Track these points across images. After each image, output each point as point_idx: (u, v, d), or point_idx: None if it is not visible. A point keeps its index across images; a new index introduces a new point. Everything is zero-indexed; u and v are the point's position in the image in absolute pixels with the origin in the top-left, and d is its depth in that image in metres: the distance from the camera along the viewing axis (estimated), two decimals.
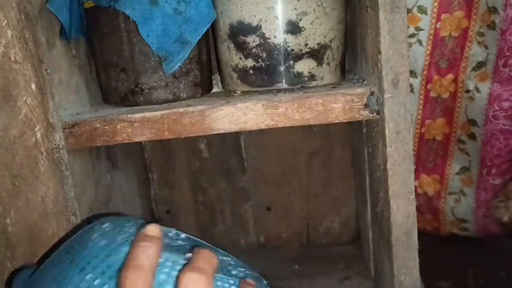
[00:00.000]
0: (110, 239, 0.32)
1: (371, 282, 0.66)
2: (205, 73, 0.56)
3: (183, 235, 0.37)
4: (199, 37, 0.51)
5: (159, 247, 0.30)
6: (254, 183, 0.78)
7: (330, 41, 0.51)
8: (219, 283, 0.31)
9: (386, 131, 0.45)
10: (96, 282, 0.30)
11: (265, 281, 0.36)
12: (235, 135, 0.75)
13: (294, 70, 0.50)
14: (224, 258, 0.37)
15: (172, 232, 0.36)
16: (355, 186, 0.76)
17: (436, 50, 0.71)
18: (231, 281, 0.32)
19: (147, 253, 0.29)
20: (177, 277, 0.29)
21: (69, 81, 0.53)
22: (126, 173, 0.70)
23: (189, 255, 0.32)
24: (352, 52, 0.59)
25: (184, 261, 0.31)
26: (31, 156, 0.45)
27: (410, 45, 0.71)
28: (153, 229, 0.31)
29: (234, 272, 0.34)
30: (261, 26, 0.49)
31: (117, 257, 0.31)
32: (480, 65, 0.71)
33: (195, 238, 0.37)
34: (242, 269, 0.36)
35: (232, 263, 0.37)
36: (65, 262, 0.33)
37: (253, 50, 0.50)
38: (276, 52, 0.50)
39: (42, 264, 0.36)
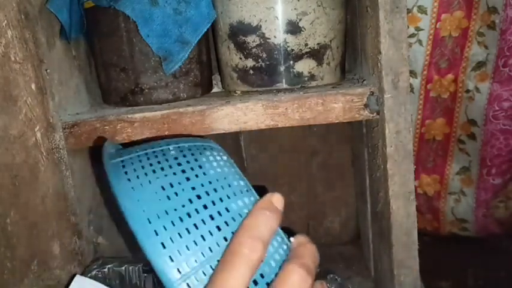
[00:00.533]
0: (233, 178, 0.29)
1: (371, 282, 0.66)
2: (205, 73, 0.56)
3: None
4: (199, 37, 0.51)
5: (279, 220, 0.29)
6: (254, 183, 0.78)
7: (330, 41, 0.51)
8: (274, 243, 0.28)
9: (386, 131, 0.45)
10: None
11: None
12: (235, 135, 0.75)
13: (294, 70, 0.50)
14: None
15: None
16: (355, 186, 0.76)
17: (436, 50, 0.71)
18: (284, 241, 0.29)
19: (269, 224, 0.28)
20: (284, 265, 0.27)
21: (69, 81, 0.53)
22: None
23: (292, 240, 0.30)
24: (352, 52, 0.59)
25: (288, 244, 0.29)
26: (31, 156, 0.45)
27: (410, 45, 0.71)
28: (279, 199, 0.30)
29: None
30: (261, 26, 0.49)
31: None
32: (480, 65, 0.71)
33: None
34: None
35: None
36: (174, 174, 0.28)
37: (253, 50, 0.50)
38: (276, 52, 0.50)
39: (143, 153, 0.31)
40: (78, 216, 0.49)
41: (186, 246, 0.25)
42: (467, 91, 0.73)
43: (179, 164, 0.29)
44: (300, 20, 0.49)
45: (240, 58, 0.51)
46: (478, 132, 0.75)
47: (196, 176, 0.29)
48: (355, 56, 0.58)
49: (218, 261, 0.26)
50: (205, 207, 0.27)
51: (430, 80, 0.73)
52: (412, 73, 0.73)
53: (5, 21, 0.42)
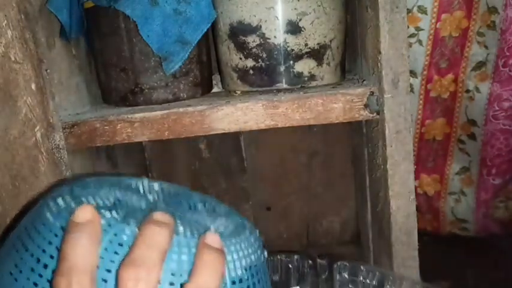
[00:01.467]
0: (65, 220, 0.26)
1: None
2: (205, 73, 0.56)
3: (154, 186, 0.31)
4: (199, 37, 0.51)
5: (94, 233, 0.25)
6: (254, 183, 0.78)
7: (330, 41, 0.51)
8: (173, 256, 0.25)
9: (387, 131, 0.45)
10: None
11: (250, 231, 0.30)
12: (235, 135, 0.75)
13: (294, 70, 0.50)
14: (194, 211, 0.31)
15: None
16: (355, 186, 0.76)
17: (436, 50, 0.71)
18: (192, 243, 0.26)
19: (79, 247, 0.24)
20: (117, 272, 0.24)
21: (69, 81, 0.53)
22: (126, 173, 0.70)
23: (123, 226, 0.26)
24: (352, 52, 0.59)
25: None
26: (31, 156, 0.45)
27: (410, 45, 0.70)
28: (83, 212, 0.25)
29: (197, 230, 0.27)
30: (261, 26, 0.49)
31: None
32: (480, 65, 0.71)
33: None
34: (218, 221, 0.30)
35: (205, 214, 0.31)
36: (19, 250, 0.27)
37: (253, 50, 0.50)
38: (276, 52, 0.50)
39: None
40: None
41: None
42: (467, 91, 0.73)
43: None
44: (300, 20, 0.49)
45: (240, 58, 0.51)
46: (478, 132, 0.75)
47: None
48: (355, 56, 0.58)
49: None
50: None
51: (430, 80, 0.73)
52: (412, 73, 0.73)
53: (5, 21, 0.42)
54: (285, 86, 0.51)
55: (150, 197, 0.31)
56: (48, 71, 0.46)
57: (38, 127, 0.45)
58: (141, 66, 0.51)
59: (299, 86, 0.51)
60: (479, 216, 0.80)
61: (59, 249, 0.25)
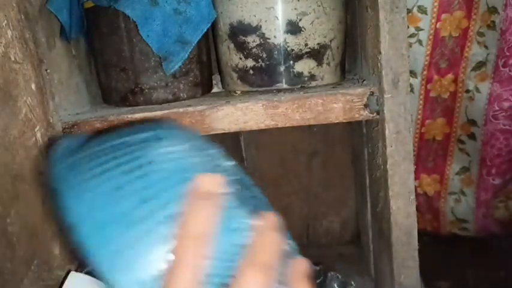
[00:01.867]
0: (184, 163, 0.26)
1: (371, 282, 0.66)
2: (205, 73, 0.56)
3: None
4: (199, 37, 0.51)
5: (217, 208, 0.25)
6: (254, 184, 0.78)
7: (330, 41, 0.51)
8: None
9: (387, 131, 0.45)
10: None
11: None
12: (235, 135, 0.75)
13: (294, 70, 0.50)
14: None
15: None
16: (355, 186, 0.76)
17: (436, 50, 0.71)
18: None
19: (202, 217, 0.24)
20: (240, 266, 0.24)
21: (69, 81, 0.53)
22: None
23: (254, 223, 0.25)
24: (352, 52, 0.59)
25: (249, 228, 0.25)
26: (31, 156, 0.45)
27: (410, 45, 0.70)
28: (213, 181, 0.25)
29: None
30: (261, 26, 0.49)
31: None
32: (480, 65, 0.71)
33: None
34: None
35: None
36: (123, 174, 0.25)
37: (253, 50, 0.50)
38: (276, 52, 0.50)
39: (90, 153, 0.28)
40: None
41: (142, 253, 0.23)
42: (467, 91, 0.73)
43: (127, 162, 0.26)
44: (300, 20, 0.49)
45: (240, 58, 0.51)
46: (478, 132, 0.75)
47: (145, 174, 0.25)
48: (355, 56, 0.58)
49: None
50: (155, 209, 0.24)
51: (430, 80, 0.73)
52: (412, 73, 0.73)
53: (5, 21, 0.42)
54: (285, 86, 0.51)
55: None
56: (48, 71, 0.46)
57: (38, 127, 0.45)
58: (141, 66, 0.51)
59: (299, 86, 0.51)
60: (479, 216, 0.80)
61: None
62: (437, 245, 0.79)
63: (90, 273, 0.45)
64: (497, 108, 0.72)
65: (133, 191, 0.25)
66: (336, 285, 0.49)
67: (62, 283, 0.44)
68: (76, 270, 0.45)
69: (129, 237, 0.23)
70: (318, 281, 0.40)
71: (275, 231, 0.26)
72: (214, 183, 0.25)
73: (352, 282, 0.49)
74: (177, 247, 0.23)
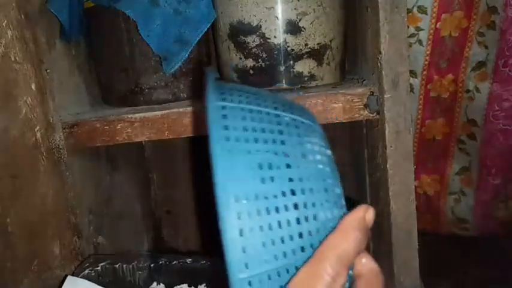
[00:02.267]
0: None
1: None
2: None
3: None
4: (199, 37, 0.51)
5: (366, 242, 0.25)
6: None
7: (330, 41, 0.51)
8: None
9: (387, 131, 0.45)
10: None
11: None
12: None
13: (294, 70, 0.50)
14: None
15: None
16: (355, 187, 0.76)
17: (436, 50, 0.71)
18: None
19: (358, 248, 0.24)
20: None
21: (69, 81, 0.53)
22: (126, 173, 0.70)
23: (363, 262, 0.26)
24: (352, 52, 0.59)
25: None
26: (31, 157, 0.45)
27: (410, 45, 0.70)
28: (371, 215, 0.25)
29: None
30: (261, 26, 0.49)
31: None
32: (480, 65, 0.71)
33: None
34: None
35: None
36: (279, 158, 0.24)
37: (253, 50, 0.50)
38: (276, 52, 0.50)
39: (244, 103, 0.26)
40: (78, 216, 0.49)
41: (263, 243, 0.22)
42: (467, 91, 0.73)
43: (283, 143, 0.24)
44: (300, 20, 0.49)
45: (240, 58, 0.51)
46: (478, 132, 0.75)
47: (298, 166, 0.24)
48: (355, 56, 0.58)
49: (288, 270, 0.23)
50: (295, 206, 0.23)
51: (430, 80, 0.73)
52: (412, 73, 0.73)
53: (5, 21, 0.42)
54: (285, 86, 0.51)
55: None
56: (48, 71, 0.46)
57: (38, 127, 0.45)
58: (141, 66, 0.51)
59: (299, 86, 0.51)
60: (479, 216, 0.80)
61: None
62: (437, 245, 0.79)
63: (87, 276, 0.45)
64: (497, 108, 0.72)
65: (280, 177, 0.23)
66: None
67: (60, 287, 0.44)
68: (72, 274, 0.45)
69: (258, 222, 0.22)
70: None
71: (380, 276, 0.27)
72: (370, 218, 0.25)
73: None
74: (320, 267, 0.23)
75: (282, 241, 0.22)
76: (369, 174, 0.59)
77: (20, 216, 0.45)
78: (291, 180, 0.23)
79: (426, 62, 0.72)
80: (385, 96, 0.44)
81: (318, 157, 0.25)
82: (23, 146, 0.44)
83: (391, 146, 0.46)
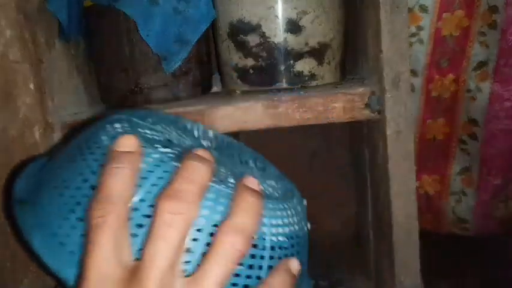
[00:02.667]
0: None
1: (371, 282, 0.66)
2: (205, 73, 0.56)
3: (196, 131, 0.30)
4: (199, 36, 0.50)
5: (135, 168, 0.24)
6: None
7: (331, 40, 0.51)
8: (210, 195, 0.24)
9: (387, 131, 0.45)
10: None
11: (298, 200, 0.29)
12: (234, 135, 0.74)
13: (294, 69, 0.50)
14: (246, 166, 0.30)
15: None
16: (356, 187, 0.76)
17: (437, 49, 0.71)
18: (228, 191, 0.24)
19: (118, 178, 0.23)
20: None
21: (68, 81, 0.53)
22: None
23: (175, 164, 0.24)
24: (352, 52, 0.58)
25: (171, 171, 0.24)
26: (30, 157, 0.45)
27: (411, 44, 0.70)
28: (127, 142, 0.24)
29: (231, 181, 0.26)
30: (261, 25, 0.49)
31: None
32: (481, 64, 0.71)
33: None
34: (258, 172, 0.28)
35: (256, 172, 0.29)
36: (67, 167, 0.26)
37: (253, 49, 0.50)
38: (276, 51, 0.49)
39: (51, 159, 0.30)
40: None
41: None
42: (469, 91, 0.73)
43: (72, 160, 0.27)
44: (301, 19, 0.49)
45: (240, 57, 0.51)
46: (479, 132, 0.75)
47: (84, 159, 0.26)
48: (355, 56, 0.57)
49: None
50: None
51: (431, 80, 0.73)
52: (413, 72, 0.72)
53: (4, 21, 0.42)
54: (285, 85, 0.50)
55: (204, 143, 0.30)
56: (47, 70, 0.46)
57: (36, 127, 0.45)
58: (141, 66, 0.51)
59: (299, 85, 0.51)
60: (479, 216, 0.80)
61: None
62: (437, 245, 0.79)
63: None
64: (498, 108, 0.72)
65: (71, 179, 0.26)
66: None
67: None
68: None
69: (68, 225, 0.24)
70: None
71: (198, 167, 0.23)
72: (129, 142, 0.24)
73: None
74: (94, 209, 0.22)
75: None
76: (370, 174, 0.59)
77: None
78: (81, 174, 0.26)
79: (427, 62, 0.72)
80: (385, 96, 0.44)
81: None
82: (22, 146, 0.44)
83: (392, 146, 0.45)
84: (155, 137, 0.27)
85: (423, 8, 0.69)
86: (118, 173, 0.23)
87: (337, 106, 0.46)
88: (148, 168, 0.24)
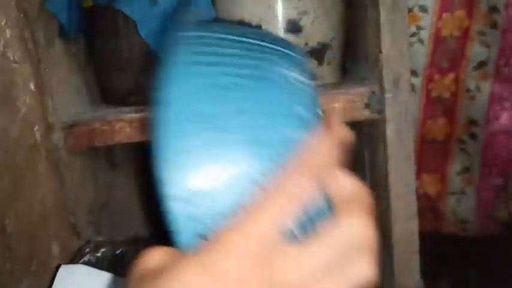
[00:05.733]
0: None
1: None
2: None
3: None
4: None
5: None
6: None
7: (331, 40, 0.51)
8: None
9: (387, 131, 0.45)
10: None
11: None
12: None
13: None
14: None
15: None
16: None
17: (437, 49, 0.71)
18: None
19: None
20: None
21: (68, 81, 0.53)
22: (126, 173, 0.70)
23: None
24: (352, 51, 0.58)
25: None
26: (30, 157, 0.45)
27: (411, 44, 0.70)
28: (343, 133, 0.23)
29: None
30: (261, 25, 0.49)
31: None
32: (481, 64, 0.71)
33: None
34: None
35: None
36: (237, 76, 0.21)
37: None
38: None
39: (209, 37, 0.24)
40: (77, 216, 0.49)
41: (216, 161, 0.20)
42: (469, 90, 0.73)
43: (243, 67, 0.22)
44: (301, 19, 0.48)
45: None
46: (479, 132, 0.75)
47: (256, 88, 0.22)
48: (355, 56, 0.57)
49: None
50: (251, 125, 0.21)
51: (431, 80, 0.73)
52: (413, 72, 0.72)
53: (4, 21, 0.42)
54: None
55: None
56: (47, 70, 0.46)
57: (37, 127, 0.45)
58: (141, 66, 0.51)
59: None
60: (479, 216, 0.80)
61: None
62: (437, 245, 0.79)
63: (88, 262, 0.44)
64: (498, 107, 0.72)
65: (237, 99, 0.21)
66: None
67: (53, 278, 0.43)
68: (72, 261, 0.44)
69: (208, 139, 0.20)
70: None
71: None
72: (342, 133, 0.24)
73: None
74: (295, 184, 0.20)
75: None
76: (370, 174, 0.59)
77: (19, 217, 0.45)
78: (244, 100, 0.21)
79: (427, 62, 0.72)
80: (386, 96, 0.44)
81: (291, 80, 0.23)
82: (22, 146, 0.44)
83: (392, 146, 0.45)
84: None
85: (423, 8, 0.69)
86: (328, 154, 0.22)
87: (337, 106, 0.46)
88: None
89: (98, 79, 0.56)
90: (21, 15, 0.43)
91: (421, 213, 0.85)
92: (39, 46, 0.45)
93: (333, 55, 0.51)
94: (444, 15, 0.69)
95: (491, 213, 0.80)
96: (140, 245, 0.48)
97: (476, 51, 0.70)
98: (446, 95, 0.74)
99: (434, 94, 0.75)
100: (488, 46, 0.69)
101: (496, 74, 0.71)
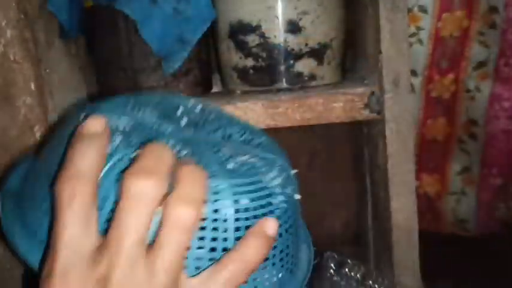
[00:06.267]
0: None
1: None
2: (205, 73, 0.56)
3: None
4: (199, 36, 0.51)
5: (101, 146, 0.23)
6: None
7: (331, 40, 0.51)
8: None
9: (387, 131, 0.45)
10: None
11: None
12: None
13: (294, 70, 0.50)
14: (227, 141, 0.30)
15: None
16: (356, 187, 0.76)
17: (437, 50, 0.71)
18: None
19: (85, 156, 0.22)
20: (119, 181, 0.22)
21: (68, 81, 0.53)
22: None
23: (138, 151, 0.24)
24: (352, 51, 0.59)
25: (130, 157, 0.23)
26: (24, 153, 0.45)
27: (410, 44, 0.70)
28: (94, 123, 0.24)
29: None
30: (261, 26, 0.49)
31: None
32: (481, 64, 0.71)
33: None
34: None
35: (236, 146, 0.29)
36: (44, 158, 0.27)
37: (253, 49, 0.50)
38: (276, 51, 0.49)
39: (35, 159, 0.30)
40: None
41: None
42: (468, 91, 0.73)
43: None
44: (301, 19, 0.49)
45: (240, 58, 0.51)
46: (479, 132, 0.75)
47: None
48: (355, 56, 0.57)
49: None
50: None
51: (431, 80, 0.73)
52: (413, 73, 0.72)
53: (5, 21, 0.42)
54: (285, 85, 0.50)
55: (183, 122, 0.29)
56: (48, 70, 0.46)
57: (37, 127, 0.45)
58: (141, 66, 0.51)
59: (299, 85, 0.51)
60: (480, 216, 0.80)
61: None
62: (437, 245, 0.79)
63: None
64: (498, 107, 0.72)
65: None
66: (332, 265, 0.49)
67: None
68: None
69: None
70: (314, 262, 0.40)
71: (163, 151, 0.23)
72: (96, 124, 0.24)
73: (349, 261, 0.49)
74: (60, 190, 0.22)
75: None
76: (369, 174, 0.59)
77: None
78: None
79: (427, 62, 0.72)
80: (385, 96, 0.44)
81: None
82: (22, 146, 0.44)
83: (391, 146, 0.45)
84: (119, 124, 0.26)
85: (423, 9, 0.69)
86: (84, 150, 0.23)
87: (337, 106, 0.46)
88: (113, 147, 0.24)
89: (98, 79, 0.56)
90: (22, 16, 0.43)
91: (421, 213, 0.85)
92: (39, 46, 0.45)
93: (332, 55, 0.51)
94: (444, 15, 0.69)
95: (491, 213, 0.80)
96: None
97: (476, 51, 0.70)
98: (446, 95, 0.74)
99: (434, 94, 0.75)
100: (488, 46, 0.69)
101: (495, 74, 0.71)
